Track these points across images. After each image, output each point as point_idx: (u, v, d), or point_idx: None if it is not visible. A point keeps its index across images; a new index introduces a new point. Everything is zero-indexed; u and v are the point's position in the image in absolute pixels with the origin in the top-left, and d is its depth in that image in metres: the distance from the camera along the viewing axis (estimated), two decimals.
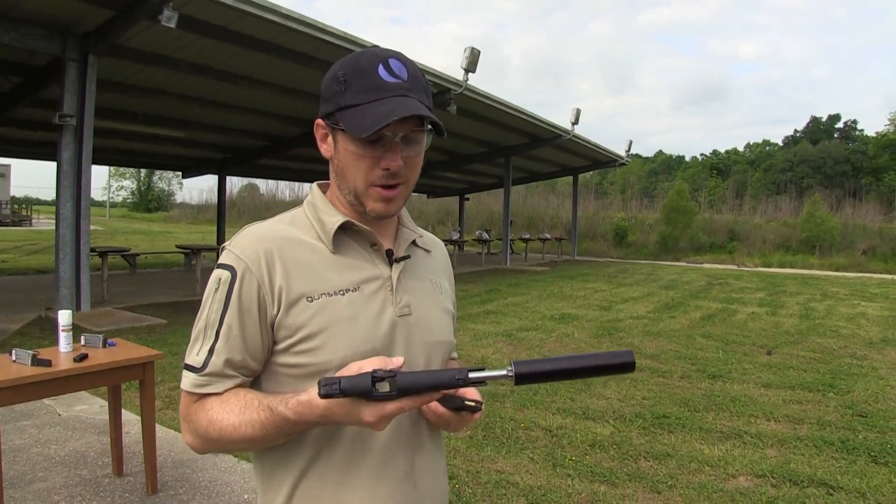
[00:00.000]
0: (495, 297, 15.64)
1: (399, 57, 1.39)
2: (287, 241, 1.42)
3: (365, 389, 1.16)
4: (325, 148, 1.45)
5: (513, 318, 12.27)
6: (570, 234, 34.47)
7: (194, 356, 1.36)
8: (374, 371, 1.17)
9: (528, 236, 31.70)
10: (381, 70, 1.35)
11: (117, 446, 4.67)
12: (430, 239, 1.71)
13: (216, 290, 1.37)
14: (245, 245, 1.39)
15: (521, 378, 1.21)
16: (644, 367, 8.50)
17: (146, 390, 4.41)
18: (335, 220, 1.44)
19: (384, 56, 1.38)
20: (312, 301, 1.37)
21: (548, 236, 32.40)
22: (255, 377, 1.43)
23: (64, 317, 4.20)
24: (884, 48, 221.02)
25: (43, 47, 10.35)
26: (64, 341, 4.18)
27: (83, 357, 4.07)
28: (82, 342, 4.40)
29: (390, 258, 1.49)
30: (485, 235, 28.98)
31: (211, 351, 1.35)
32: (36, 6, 9.58)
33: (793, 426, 6.24)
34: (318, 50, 12.10)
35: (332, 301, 1.38)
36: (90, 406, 6.26)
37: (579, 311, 13.62)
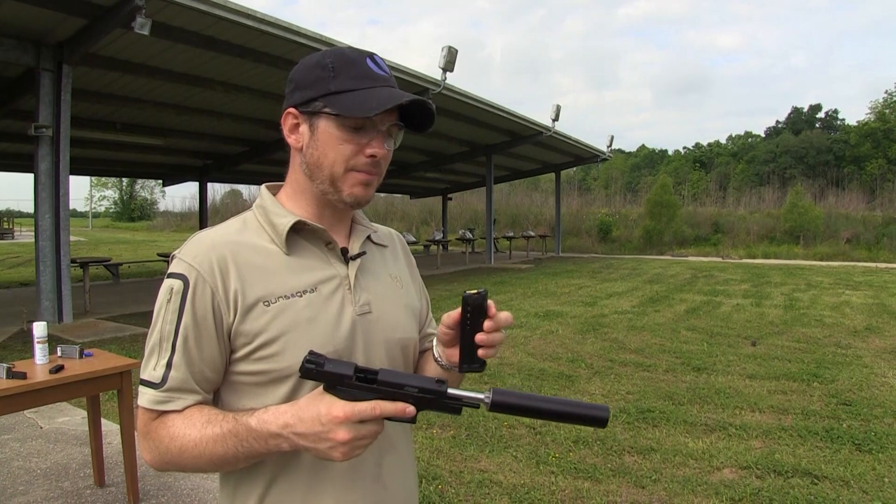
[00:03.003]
0: None
1: (378, 56, 1.42)
2: (239, 245, 1.38)
3: (345, 375, 1.18)
4: (296, 138, 1.42)
5: None
6: (554, 231, 34.47)
7: (151, 371, 1.31)
8: (357, 365, 1.20)
9: (511, 234, 31.69)
10: (369, 62, 1.38)
11: (98, 457, 4.64)
12: (385, 233, 1.68)
13: (168, 300, 1.32)
14: (196, 252, 1.35)
15: (496, 406, 1.21)
16: (629, 361, 8.52)
17: (124, 399, 4.38)
18: (286, 220, 1.41)
19: (367, 52, 1.41)
20: (269, 305, 1.33)
21: (532, 234, 32.39)
22: (216, 391, 1.40)
23: (39, 329, 4.17)
24: (862, 36, 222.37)
25: (16, 58, 10.26)
26: (39, 353, 4.15)
27: (59, 368, 4.05)
28: (59, 353, 4.37)
29: (346, 256, 1.47)
30: (468, 234, 28.95)
31: (168, 365, 1.30)
32: (7, 17, 9.50)
33: (777, 417, 6.25)
34: (294, 53, 12.04)
35: (289, 304, 1.34)
36: (72, 417, 6.21)
37: (564, 307, 13.62)
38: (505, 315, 1.32)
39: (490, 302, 1.31)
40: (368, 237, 1.56)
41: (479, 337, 1.29)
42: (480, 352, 1.30)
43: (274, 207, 1.45)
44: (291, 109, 1.41)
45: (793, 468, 4.95)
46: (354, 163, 1.36)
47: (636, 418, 6.17)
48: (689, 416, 6.22)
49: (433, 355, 1.46)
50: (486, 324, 1.29)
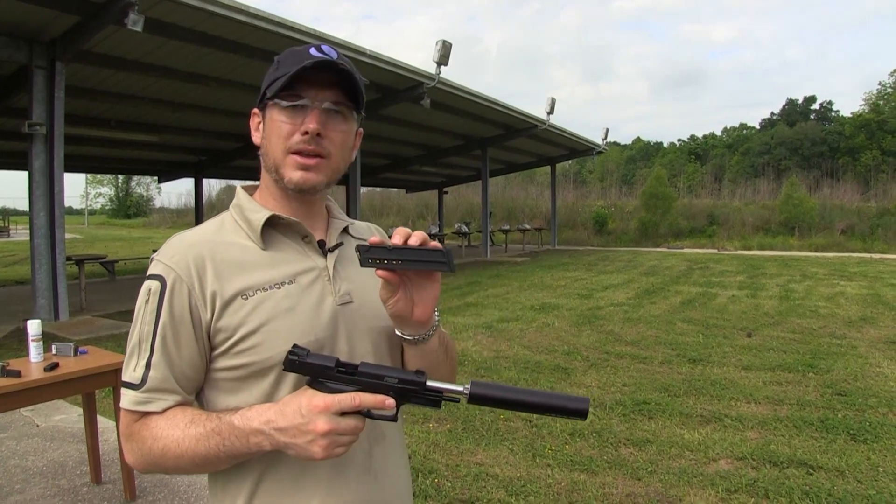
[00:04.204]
0: (475, 289, 15.61)
1: (331, 46, 1.41)
2: (216, 244, 1.39)
3: (327, 367, 1.21)
4: (257, 136, 1.46)
5: (493, 309, 12.24)
6: (549, 224, 34.48)
7: (131, 372, 1.32)
8: (338, 359, 1.22)
9: (507, 227, 31.65)
10: (312, 49, 1.38)
11: (94, 454, 4.64)
12: (363, 227, 1.68)
13: (147, 301, 1.33)
14: (173, 253, 1.36)
15: (474, 398, 1.22)
16: (624, 353, 8.53)
17: (119, 396, 4.37)
18: (261, 215, 1.42)
19: (317, 43, 1.40)
20: (248, 298, 1.33)
21: (528, 227, 32.41)
22: (198, 393, 1.40)
23: (33, 327, 4.17)
24: (856, 28, 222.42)
25: (9, 56, 10.22)
26: (34, 351, 4.15)
27: (54, 366, 4.05)
28: (53, 351, 4.36)
29: (323, 249, 1.47)
30: (464, 228, 28.94)
31: (148, 365, 1.30)
32: (0, 15, 9.48)
33: (773, 407, 6.27)
34: (287, 48, 11.99)
35: (268, 295, 1.34)
36: (69, 415, 6.21)
37: (560, 300, 13.63)
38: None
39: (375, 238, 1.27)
40: (346, 229, 1.57)
41: (410, 241, 1.24)
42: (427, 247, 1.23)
43: (249, 204, 1.47)
44: (255, 109, 1.46)
45: (788, 459, 4.96)
46: (291, 143, 1.37)
47: (632, 410, 6.18)
48: (684, 408, 6.23)
49: (399, 336, 1.41)
50: (395, 240, 1.24)
